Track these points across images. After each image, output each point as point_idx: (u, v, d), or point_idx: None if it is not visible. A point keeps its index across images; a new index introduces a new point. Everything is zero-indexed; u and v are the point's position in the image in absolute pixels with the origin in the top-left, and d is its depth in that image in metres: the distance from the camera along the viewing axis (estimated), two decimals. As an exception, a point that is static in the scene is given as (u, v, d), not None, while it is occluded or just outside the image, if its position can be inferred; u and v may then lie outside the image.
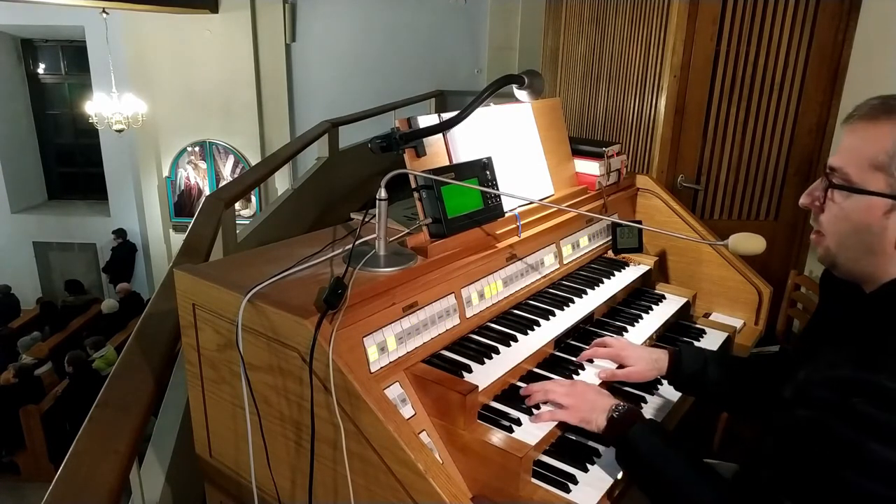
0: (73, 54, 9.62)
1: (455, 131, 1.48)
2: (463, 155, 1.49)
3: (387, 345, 1.19)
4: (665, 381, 1.48)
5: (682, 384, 1.41)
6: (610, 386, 1.42)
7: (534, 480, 1.15)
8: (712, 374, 1.36)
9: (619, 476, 1.19)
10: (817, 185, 1.00)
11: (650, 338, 1.66)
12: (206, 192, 8.59)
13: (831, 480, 0.82)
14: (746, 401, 1.35)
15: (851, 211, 0.94)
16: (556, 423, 1.25)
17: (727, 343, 1.76)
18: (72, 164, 10.37)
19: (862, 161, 0.92)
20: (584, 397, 1.25)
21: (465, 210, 1.35)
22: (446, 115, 1.43)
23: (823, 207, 0.98)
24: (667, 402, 1.44)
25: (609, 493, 1.16)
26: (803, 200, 1.02)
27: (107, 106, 7.74)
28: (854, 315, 0.99)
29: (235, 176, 8.40)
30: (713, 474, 1.04)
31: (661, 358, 1.41)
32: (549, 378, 1.38)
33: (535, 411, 1.27)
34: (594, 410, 1.21)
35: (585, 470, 1.19)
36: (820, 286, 1.22)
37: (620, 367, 1.43)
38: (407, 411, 1.17)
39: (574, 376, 1.40)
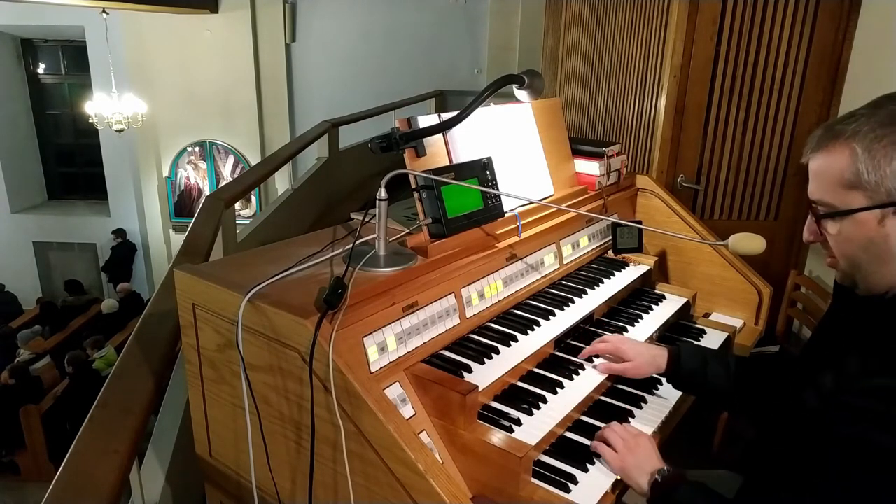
0: (73, 54, 9.62)
1: (455, 131, 1.48)
2: (463, 155, 1.49)
3: (387, 345, 1.19)
4: (664, 381, 1.48)
5: (681, 382, 1.41)
6: (610, 382, 1.42)
7: (534, 480, 1.15)
8: (712, 373, 1.35)
9: (619, 476, 1.19)
10: (810, 220, 1.02)
11: (650, 338, 1.66)
12: (206, 192, 8.59)
13: (875, 491, 0.82)
14: (746, 400, 1.34)
15: (848, 233, 0.96)
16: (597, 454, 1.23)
17: (727, 343, 1.76)
18: (72, 164, 10.37)
19: (834, 186, 0.95)
20: (635, 452, 1.18)
21: (465, 210, 1.35)
22: (446, 115, 1.43)
23: (824, 237, 1.00)
24: (667, 403, 1.44)
25: (609, 494, 1.16)
26: (806, 237, 1.04)
27: (107, 106, 7.73)
28: (876, 320, 0.98)
29: (235, 176, 8.40)
30: None
31: (659, 355, 1.41)
32: (549, 377, 1.39)
33: (534, 410, 1.27)
34: (638, 468, 1.16)
35: (585, 470, 1.19)
36: (834, 289, 1.22)
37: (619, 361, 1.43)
38: (407, 411, 1.17)
39: (574, 376, 1.40)
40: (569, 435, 1.29)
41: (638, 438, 1.22)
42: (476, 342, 1.40)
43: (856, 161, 0.91)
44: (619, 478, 1.18)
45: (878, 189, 0.90)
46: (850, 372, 0.92)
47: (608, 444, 1.22)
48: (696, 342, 1.72)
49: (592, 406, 1.39)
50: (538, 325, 1.50)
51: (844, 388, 0.91)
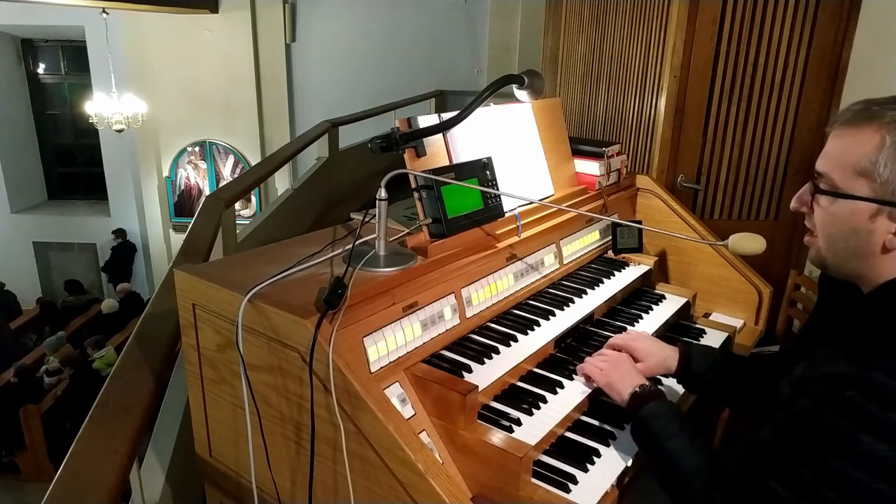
0: (73, 54, 9.62)
1: (455, 131, 1.48)
2: (463, 155, 1.49)
3: (387, 345, 1.19)
4: (664, 381, 1.48)
5: (689, 384, 1.41)
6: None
7: (534, 480, 1.15)
8: (719, 374, 1.36)
9: (619, 475, 1.19)
10: (805, 190, 1.02)
11: (650, 338, 1.66)
12: (206, 192, 8.59)
13: (819, 466, 0.85)
14: (748, 398, 1.35)
15: (838, 215, 0.96)
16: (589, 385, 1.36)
17: (727, 343, 1.76)
18: (72, 164, 10.37)
19: (846, 166, 0.93)
20: (618, 368, 1.31)
21: (465, 210, 1.35)
22: (446, 115, 1.43)
23: (813, 210, 1.00)
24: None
25: (609, 493, 1.16)
26: (793, 204, 1.04)
27: (107, 106, 7.74)
28: (851, 314, 1.00)
29: (235, 176, 8.40)
30: (713, 454, 1.06)
31: (670, 356, 1.40)
32: (549, 377, 1.39)
33: (535, 410, 1.28)
34: (622, 382, 1.28)
35: (585, 470, 1.19)
36: (819, 286, 1.23)
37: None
38: (407, 411, 1.17)
39: (574, 376, 1.40)
40: (569, 435, 1.28)
41: (619, 356, 1.37)
42: (476, 342, 1.40)
43: (879, 151, 0.89)
44: (618, 477, 1.18)
45: (886, 185, 0.89)
46: (818, 361, 0.93)
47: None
48: (696, 342, 1.71)
49: (593, 406, 1.39)
50: (538, 325, 1.50)
51: (809, 376, 0.92)
